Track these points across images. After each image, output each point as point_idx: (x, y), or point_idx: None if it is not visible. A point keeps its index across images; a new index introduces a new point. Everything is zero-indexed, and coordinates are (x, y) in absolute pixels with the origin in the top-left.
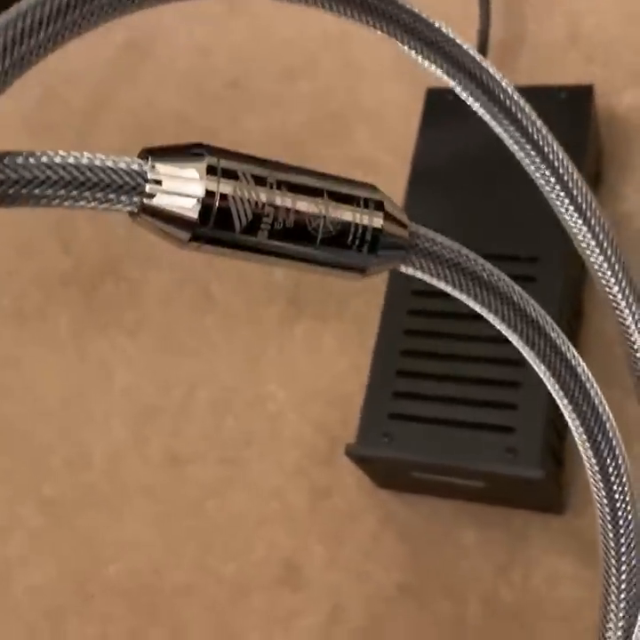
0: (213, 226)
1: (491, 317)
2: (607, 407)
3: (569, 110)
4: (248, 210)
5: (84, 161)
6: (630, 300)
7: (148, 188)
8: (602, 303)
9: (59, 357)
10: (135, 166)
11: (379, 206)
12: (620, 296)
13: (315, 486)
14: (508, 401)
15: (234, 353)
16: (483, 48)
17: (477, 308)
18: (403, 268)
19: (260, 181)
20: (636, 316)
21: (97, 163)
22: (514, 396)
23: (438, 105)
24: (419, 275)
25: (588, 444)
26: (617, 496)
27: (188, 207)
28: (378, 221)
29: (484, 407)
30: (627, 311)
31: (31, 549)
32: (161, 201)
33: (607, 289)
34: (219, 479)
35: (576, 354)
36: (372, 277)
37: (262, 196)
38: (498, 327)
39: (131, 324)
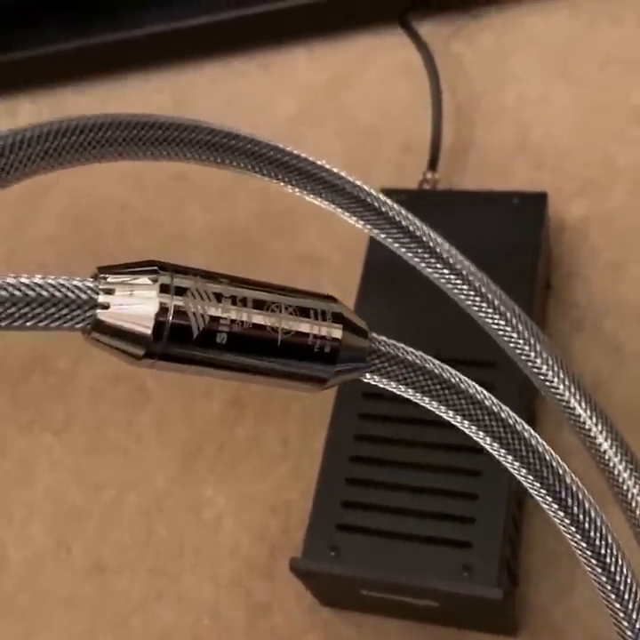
0: (167, 341)
1: (463, 423)
2: (584, 488)
3: (522, 217)
4: (203, 325)
5: (37, 280)
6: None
7: (100, 298)
8: (553, 410)
9: None
10: (88, 282)
11: (337, 318)
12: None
13: (252, 602)
14: (465, 514)
15: (169, 453)
16: (434, 154)
17: (449, 414)
18: (367, 378)
19: (214, 297)
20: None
21: (49, 281)
22: (470, 509)
23: None
24: (383, 384)
25: (572, 528)
26: (613, 569)
27: (142, 323)
28: (337, 333)
29: (439, 520)
30: (585, 418)
31: None
32: (113, 315)
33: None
34: (147, 592)
35: (554, 454)
36: None
37: (217, 311)
38: (471, 433)
39: (58, 420)
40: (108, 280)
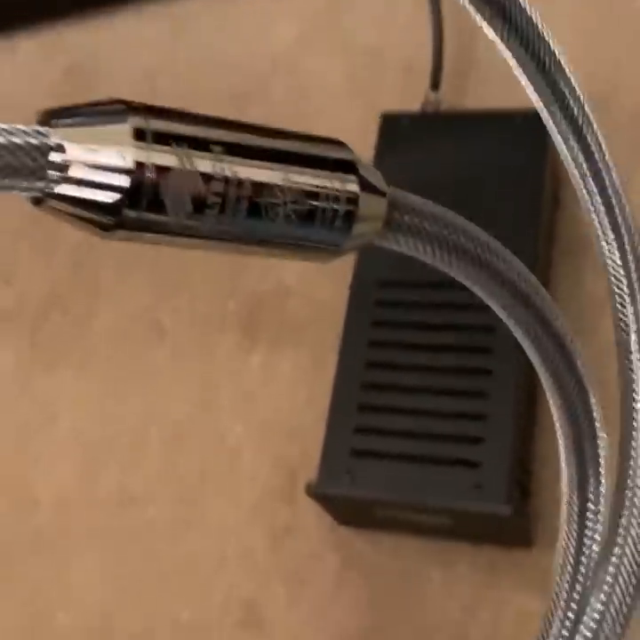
0: (146, 209)
1: (485, 297)
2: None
3: (525, 135)
4: (189, 184)
5: None
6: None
7: (51, 174)
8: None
9: (1, 395)
10: (33, 140)
11: (350, 168)
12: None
13: (274, 525)
14: (474, 434)
15: (187, 387)
16: (436, 74)
17: (469, 284)
18: (380, 242)
19: (201, 145)
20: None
21: None
22: (479, 430)
23: (393, 131)
24: (399, 249)
25: (562, 414)
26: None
27: (112, 184)
28: (352, 188)
29: (449, 441)
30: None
31: None
32: (72, 178)
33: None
34: (173, 520)
35: (576, 345)
36: (328, 307)
37: (206, 164)
38: (494, 308)
39: (77, 359)
40: (64, 145)
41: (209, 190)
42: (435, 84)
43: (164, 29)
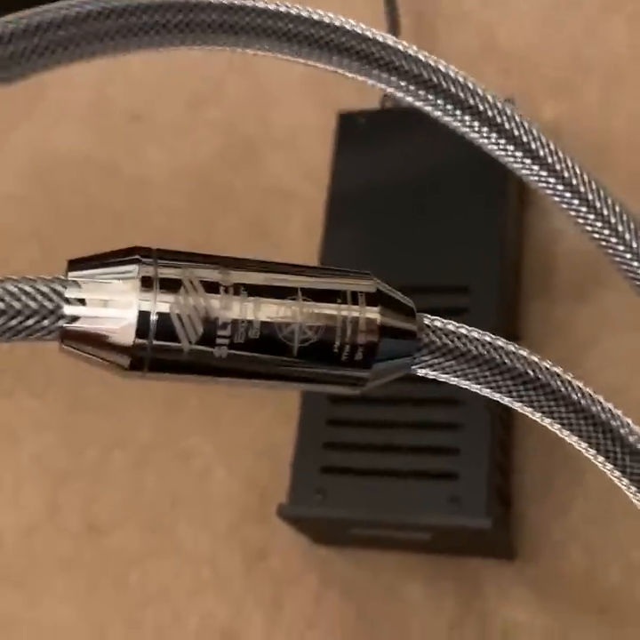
0: (154, 351)
1: (529, 412)
2: None
3: None
4: (197, 324)
5: None
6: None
7: (67, 309)
8: (538, 330)
9: None
10: (53, 286)
11: (372, 300)
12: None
13: (248, 548)
14: (449, 445)
15: (151, 406)
16: None
17: (514, 404)
18: (413, 372)
19: (210, 287)
20: None
21: (9, 287)
22: (454, 440)
23: (351, 130)
24: (431, 376)
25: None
26: None
27: (120, 331)
28: (372, 317)
29: (424, 453)
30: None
31: None
32: (86, 324)
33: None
34: (143, 547)
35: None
36: None
37: (214, 304)
38: (544, 423)
39: (37, 382)
40: (80, 284)
41: (216, 328)
42: None
43: None
